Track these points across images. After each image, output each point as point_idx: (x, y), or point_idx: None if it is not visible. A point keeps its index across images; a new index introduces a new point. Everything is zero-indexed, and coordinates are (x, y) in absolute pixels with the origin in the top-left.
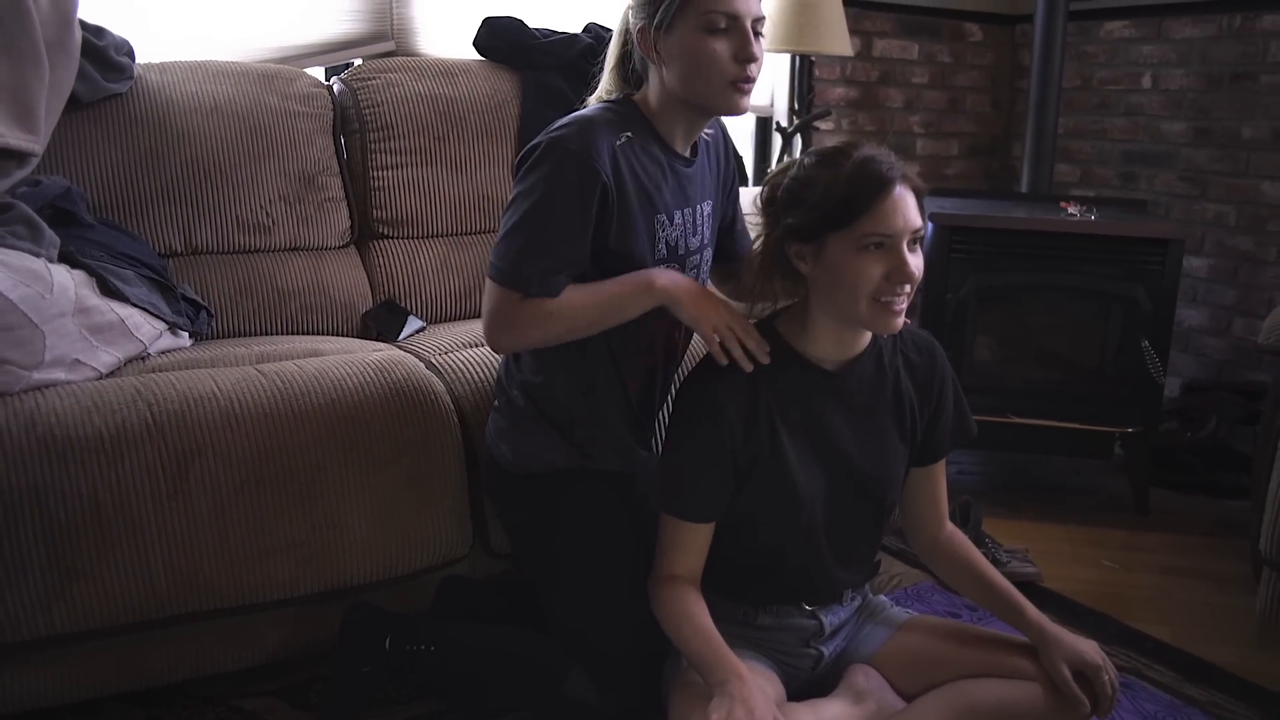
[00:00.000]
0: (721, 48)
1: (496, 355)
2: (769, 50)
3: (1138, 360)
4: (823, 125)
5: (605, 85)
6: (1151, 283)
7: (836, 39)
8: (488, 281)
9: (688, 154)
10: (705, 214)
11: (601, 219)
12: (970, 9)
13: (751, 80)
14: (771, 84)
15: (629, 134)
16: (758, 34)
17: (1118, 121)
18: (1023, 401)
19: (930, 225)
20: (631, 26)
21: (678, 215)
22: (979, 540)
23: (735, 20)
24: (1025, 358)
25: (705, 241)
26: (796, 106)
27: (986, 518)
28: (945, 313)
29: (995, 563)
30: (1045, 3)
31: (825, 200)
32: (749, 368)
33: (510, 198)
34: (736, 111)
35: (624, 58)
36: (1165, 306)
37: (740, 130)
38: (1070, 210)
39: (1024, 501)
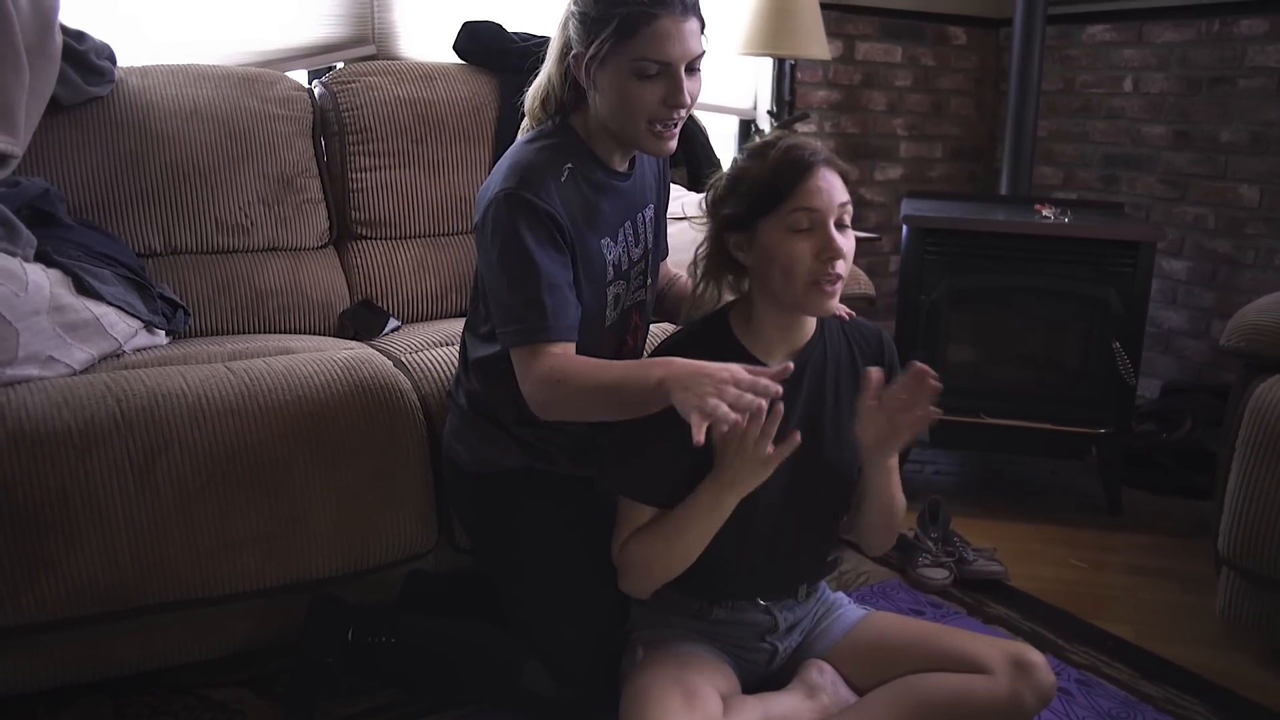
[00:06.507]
0: (650, 93)
1: None
2: (746, 54)
3: (1110, 362)
4: (803, 128)
5: (547, 72)
6: (1123, 285)
7: (814, 43)
8: (511, 353)
9: (625, 168)
10: (647, 219)
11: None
12: (954, 12)
13: (676, 123)
14: (754, 86)
15: (569, 165)
16: (693, 70)
17: (1099, 125)
18: (997, 402)
19: (904, 227)
20: (571, 39)
21: (619, 233)
22: (947, 539)
23: (668, 66)
24: (1000, 359)
25: (649, 248)
26: (775, 109)
27: (960, 517)
28: (919, 314)
29: (961, 560)
30: (1024, 6)
31: (755, 188)
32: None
33: (486, 263)
34: (659, 154)
35: (565, 49)
36: (1137, 308)
37: (722, 133)
38: (1044, 213)
39: (998, 501)
